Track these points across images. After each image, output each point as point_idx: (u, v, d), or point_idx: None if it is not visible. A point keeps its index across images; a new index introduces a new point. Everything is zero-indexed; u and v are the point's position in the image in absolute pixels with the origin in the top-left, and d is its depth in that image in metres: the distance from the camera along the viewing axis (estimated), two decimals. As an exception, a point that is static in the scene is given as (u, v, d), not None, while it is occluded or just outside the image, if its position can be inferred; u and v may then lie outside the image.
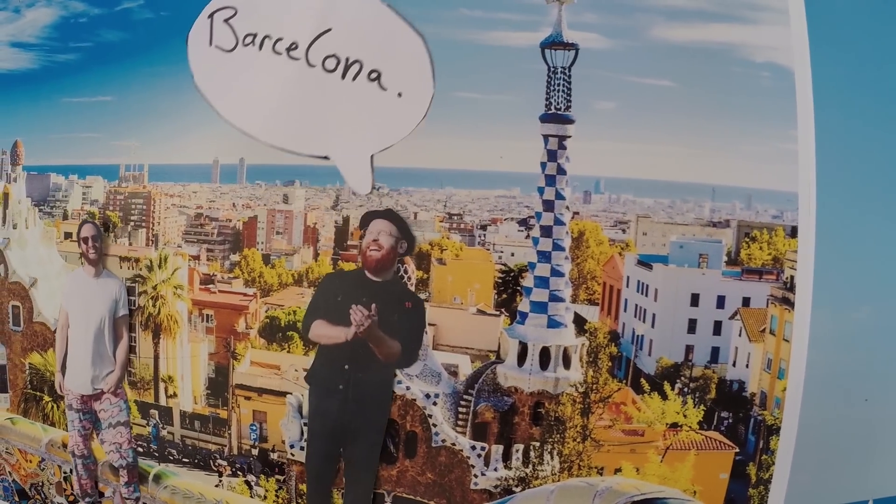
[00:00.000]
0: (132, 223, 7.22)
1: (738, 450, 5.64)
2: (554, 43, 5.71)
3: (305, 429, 6.55)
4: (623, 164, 5.72)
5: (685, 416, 5.67)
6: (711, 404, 5.65)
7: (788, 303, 5.36)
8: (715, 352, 5.70)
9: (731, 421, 5.64)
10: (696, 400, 5.67)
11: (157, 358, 7.37)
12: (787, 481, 5.36)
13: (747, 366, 5.63)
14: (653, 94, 5.53)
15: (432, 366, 6.31)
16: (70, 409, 7.48)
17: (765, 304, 5.53)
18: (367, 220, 5.84)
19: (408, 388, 6.29)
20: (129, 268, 7.32)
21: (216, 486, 7.00)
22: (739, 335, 5.65)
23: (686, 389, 5.70)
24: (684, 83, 5.49)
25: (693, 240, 5.73)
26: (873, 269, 5.51)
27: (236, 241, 6.85)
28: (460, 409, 6.21)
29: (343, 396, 6.00)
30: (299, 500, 6.58)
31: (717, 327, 5.69)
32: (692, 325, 5.73)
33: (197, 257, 6.96)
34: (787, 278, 5.43)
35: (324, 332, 5.98)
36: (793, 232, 5.32)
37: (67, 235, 7.81)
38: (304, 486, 6.58)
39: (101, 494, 7.54)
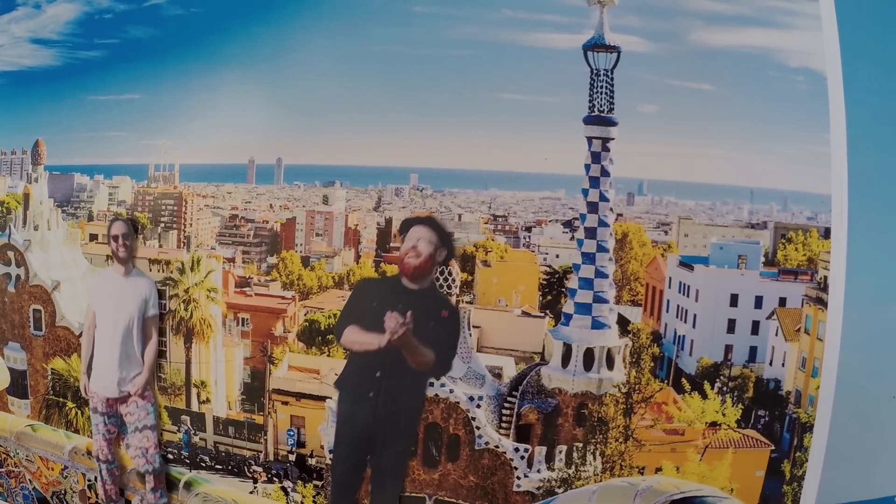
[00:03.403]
0: (162, 225, 7.73)
1: (773, 447, 6.27)
2: (596, 45, 6.27)
3: (345, 430, 7.25)
4: (665, 167, 6.31)
5: (724, 414, 6.31)
6: (749, 403, 6.29)
7: (822, 302, 5.94)
8: (753, 351, 6.36)
9: (767, 419, 6.28)
10: (735, 399, 6.29)
11: (188, 363, 7.90)
12: (819, 478, 5.93)
13: (783, 364, 6.25)
14: (694, 97, 6.09)
15: (476, 368, 6.88)
16: (95, 412, 7.81)
17: (800, 304, 6.13)
18: (406, 226, 6.10)
19: (451, 392, 6.89)
20: (158, 270, 7.84)
21: (251, 492, 7.49)
22: (776, 335, 6.27)
23: (725, 389, 6.32)
24: (723, 87, 6.09)
25: (732, 241, 6.36)
26: None
27: (274, 243, 7.30)
28: (504, 412, 6.75)
29: (373, 403, 6.30)
30: (333, 503, 7.20)
31: (756, 327, 6.35)
32: (731, 325, 6.39)
33: (232, 260, 7.43)
34: (820, 279, 6.06)
35: (357, 338, 6.24)
36: (826, 233, 5.86)
37: (93, 237, 8.44)
38: (339, 493, 7.27)
39: (128, 502, 8.03)
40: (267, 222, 7.40)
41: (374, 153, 6.86)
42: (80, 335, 8.28)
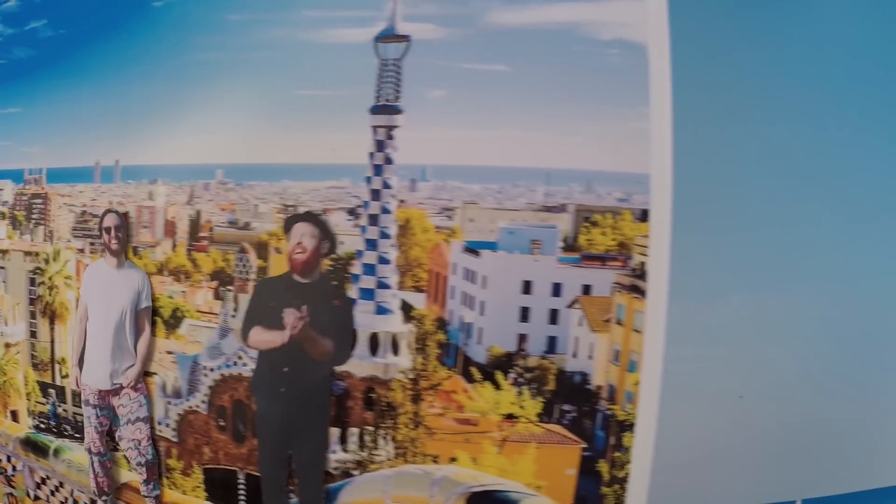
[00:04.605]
0: (33, 221, 5.72)
1: (585, 445, 3.83)
2: (387, 36, 4.09)
3: (170, 407, 4.87)
4: (451, 152, 4.00)
5: (522, 407, 3.83)
6: (551, 396, 3.83)
7: (639, 291, 3.55)
8: (552, 341, 3.86)
9: (575, 414, 3.80)
10: (534, 391, 3.84)
11: (52, 342, 5.77)
12: (648, 481, 3.54)
13: (590, 357, 3.81)
14: (485, 80, 3.84)
15: None
16: (86, 404, 5.14)
17: (609, 292, 3.73)
18: (289, 224, 4.24)
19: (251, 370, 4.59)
20: (30, 261, 5.78)
21: None
22: (580, 325, 3.81)
23: (521, 380, 3.86)
24: (520, 67, 3.77)
25: (524, 225, 3.91)
26: (743, 256, 3.65)
27: None
28: None
29: (286, 398, 4.36)
30: (168, 475, 4.91)
31: (554, 316, 3.85)
32: (525, 314, 3.89)
33: (83, 250, 5.52)
34: (636, 265, 3.60)
35: (261, 337, 4.35)
36: (643, 215, 3.52)
37: (-21, 237, 6.06)
38: (171, 461, 4.89)
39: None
40: (108, 217, 5.32)
41: (189, 152, 4.96)
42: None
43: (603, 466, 3.70)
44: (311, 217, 4.22)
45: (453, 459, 4.00)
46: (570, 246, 3.72)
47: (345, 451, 4.27)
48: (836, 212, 3.58)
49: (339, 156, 4.24)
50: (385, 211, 4.14)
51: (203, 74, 4.76)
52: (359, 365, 4.23)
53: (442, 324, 4.06)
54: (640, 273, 3.50)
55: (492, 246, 3.90)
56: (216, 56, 4.75)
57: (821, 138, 3.54)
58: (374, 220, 4.18)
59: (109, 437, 4.99)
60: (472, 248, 3.96)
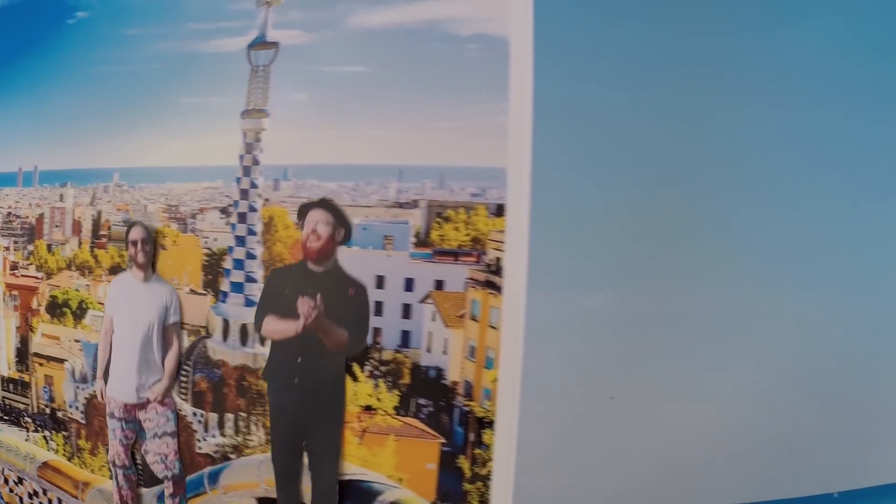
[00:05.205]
0: None
1: (444, 441, 3.14)
2: (257, 43, 3.46)
3: (78, 391, 4.17)
4: (311, 152, 3.35)
5: (379, 399, 3.17)
6: (407, 390, 3.16)
7: (494, 286, 2.88)
8: (405, 336, 3.18)
9: (432, 409, 3.13)
10: (389, 384, 3.16)
11: None
12: (513, 480, 2.86)
13: (444, 352, 3.15)
14: (344, 81, 3.19)
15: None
16: (111, 417, 4.08)
17: (463, 288, 3.03)
18: (303, 211, 3.34)
19: None
20: None
21: (25, 440, 4.66)
22: (433, 320, 3.15)
23: (377, 372, 3.18)
24: (378, 67, 3.12)
25: (377, 221, 3.22)
26: (604, 251, 2.94)
27: (31, 234, 4.76)
28: (182, 378, 3.81)
29: (299, 389, 3.44)
30: (78, 455, 4.23)
31: (407, 310, 3.17)
32: (379, 308, 3.20)
33: (8, 248, 4.88)
34: (491, 260, 2.91)
35: (275, 327, 3.42)
36: (498, 210, 2.85)
37: None
38: (82, 442, 4.22)
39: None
40: (28, 217, 4.91)
41: (92, 157, 4.39)
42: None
43: (464, 463, 3.00)
44: (326, 204, 3.32)
45: (320, 448, 3.08)
46: (423, 241, 3.05)
47: (223, 435, 3.60)
48: (699, 205, 2.92)
49: (215, 158, 3.60)
50: (252, 209, 3.46)
51: (104, 86, 4.18)
52: (231, 354, 3.56)
53: (305, 317, 3.16)
54: (496, 269, 2.84)
55: (348, 242, 3.24)
56: (115, 69, 4.15)
57: (685, 130, 2.89)
58: (242, 218, 3.50)
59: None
60: None
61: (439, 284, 2.99)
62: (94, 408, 4.11)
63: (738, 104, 2.86)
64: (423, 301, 3.00)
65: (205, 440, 3.66)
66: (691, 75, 2.85)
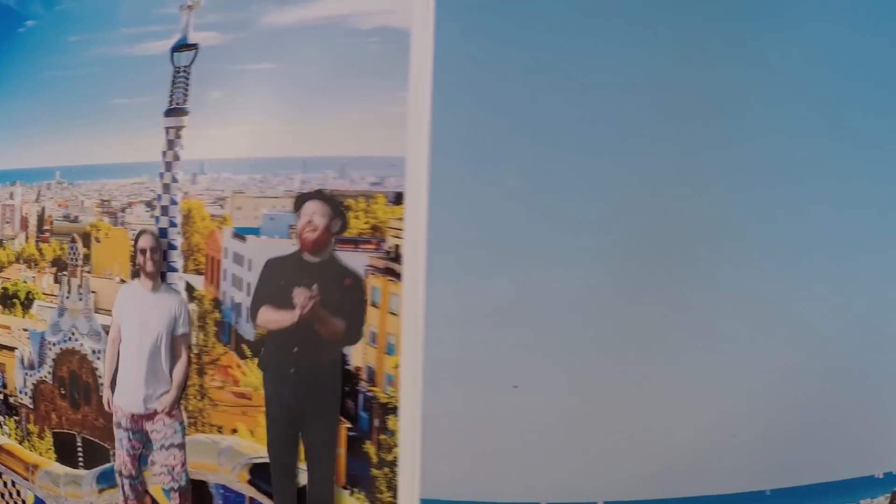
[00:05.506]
0: None
1: (350, 425, 2.98)
2: (180, 46, 3.33)
3: (27, 378, 4.01)
4: (224, 146, 3.24)
5: None
6: None
7: (394, 273, 2.76)
8: None
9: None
10: None
11: None
12: (419, 466, 2.68)
13: None
14: (255, 78, 3.07)
15: (96, 326, 3.83)
16: (118, 427, 3.63)
17: (363, 275, 2.92)
18: (299, 203, 3.04)
19: (81, 345, 3.84)
20: None
21: None
22: None
23: None
24: (286, 63, 2.99)
25: (282, 211, 3.08)
26: (506, 238, 2.74)
27: None
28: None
29: (295, 380, 3.10)
30: (28, 438, 4.02)
31: None
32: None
33: None
34: (390, 248, 2.79)
35: (271, 317, 3.11)
36: (397, 198, 2.72)
37: None
38: (31, 426, 4.02)
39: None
40: (-17, 215, 4.64)
41: (39, 157, 4.12)
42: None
43: (370, 448, 2.85)
44: (322, 195, 3.03)
45: (234, 431, 3.21)
46: None
47: None
48: (605, 194, 2.71)
49: (142, 155, 3.49)
50: (173, 202, 3.37)
51: (50, 90, 3.99)
52: None
53: (217, 303, 3.29)
54: (395, 256, 2.72)
55: (255, 231, 3.13)
56: (60, 73, 3.98)
57: (585, 114, 2.67)
58: (164, 210, 3.40)
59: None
60: (240, 234, 3.21)
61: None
62: (41, 393, 4.01)
63: (637, 81, 2.72)
64: (324, 288, 2.82)
65: (137, 421, 3.50)
66: (595, 60, 2.69)
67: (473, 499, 2.77)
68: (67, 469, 3.92)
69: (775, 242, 2.91)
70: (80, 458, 3.81)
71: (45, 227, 4.06)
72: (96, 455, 3.77)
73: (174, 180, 3.33)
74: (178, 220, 3.36)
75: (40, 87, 4.04)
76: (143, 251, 3.46)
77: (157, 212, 3.42)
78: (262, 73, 3.04)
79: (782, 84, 2.87)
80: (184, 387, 3.41)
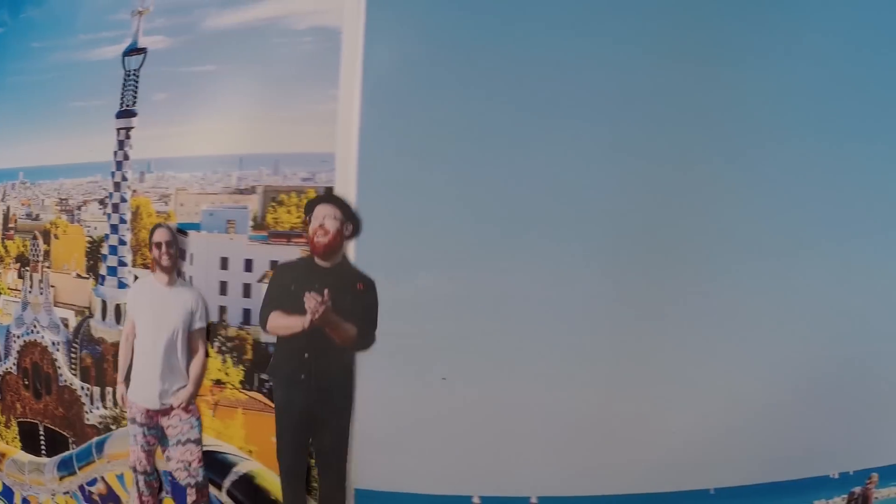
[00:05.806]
0: None
1: None
2: (130, 50, 3.17)
3: (-5, 373, 3.96)
4: (169, 146, 3.09)
5: (227, 374, 2.91)
6: (250, 365, 2.86)
7: None
8: (246, 313, 2.90)
9: (272, 384, 2.84)
10: (235, 360, 2.89)
11: None
12: (354, 456, 2.57)
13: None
14: (197, 80, 2.93)
15: (55, 319, 3.63)
16: (133, 422, 3.22)
17: None
18: (310, 207, 2.74)
19: (42, 337, 3.64)
20: None
21: None
22: None
23: (224, 348, 2.93)
24: (225, 65, 2.85)
25: (221, 207, 2.97)
26: (433, 232, 2.57)
27: None
28: (72, 355, 3.50)
29: (306, 386, 2.80)
30: (-4, 427, 3.94)
31: (247, 290, 2.89)
32: (224, 288, 2.96)
33: None
34: None
35: (281, 322, 2.78)
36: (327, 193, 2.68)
37: None
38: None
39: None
40: (-36, 215, 4.75)
41: (3, 158, 3.78)
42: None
43: None
44: (334, 198, 2.72)
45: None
46: (259, 224, 2.86)
47: (105, 407, 3.33)
48: (528, 186, 2.54)
49: (97, 155, 3.29)
50: (123, 200, 3.24)
51: (15, 94, 3.77)
52: (108, 332, 3.30)
53: (163, 296, 3.30)
54: None
55: (196, 227, 3.01)
56: (23, 79, 3.76)
57: (516, 112, 2.51)
58: (115, 208, 3.28)
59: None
60: (182, 230, 3.07)
61: (274, 265, 2.80)
62: (7, 384, 3.80)
63: (567, 74, 2.53)
64: (260, 280, 2.86)
65: (91, 412, 3.41)
66: (524, 56, 2.53)
67: (406, 490, 2.54)
68: (31, 457, 3.82)
69: (762, 240, 2.69)
70: (43, 447, 3.70)
71: (10, 226, 3.96)
72: (57, 443, 3.65)
73: (124, 179, 3.27)
74: (128, 216, 3.28)
75: (6, 92, 3.85)
76: (159, 245, 3.10)
77: (109, 209, 3.35)
78: (203, 74, 3.03)
79: (771, 81, 2.64)
80: (201, 382, 3.10)
